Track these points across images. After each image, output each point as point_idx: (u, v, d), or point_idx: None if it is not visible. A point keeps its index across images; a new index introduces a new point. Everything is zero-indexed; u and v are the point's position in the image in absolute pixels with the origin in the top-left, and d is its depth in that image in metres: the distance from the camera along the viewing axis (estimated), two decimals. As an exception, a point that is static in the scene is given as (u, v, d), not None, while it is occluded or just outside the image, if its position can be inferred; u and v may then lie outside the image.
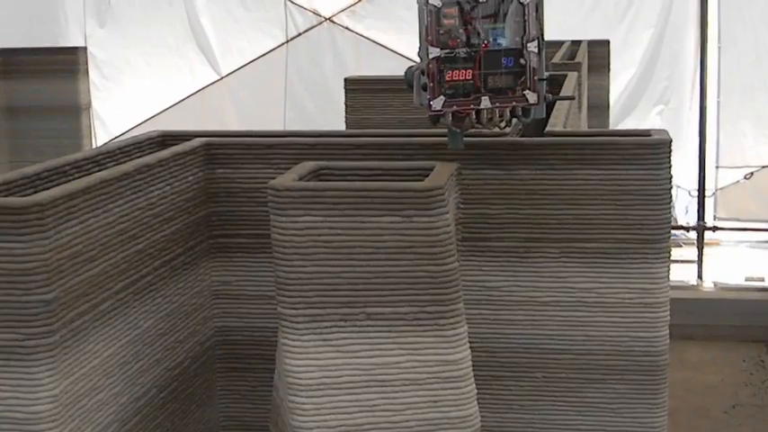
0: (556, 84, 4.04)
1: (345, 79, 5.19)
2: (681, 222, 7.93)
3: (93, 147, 7.26)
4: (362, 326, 2.13)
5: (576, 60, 5.32)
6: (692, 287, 7.30)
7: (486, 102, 2.30)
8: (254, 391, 2.80)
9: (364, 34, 8.42)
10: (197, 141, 2.73)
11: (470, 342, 2.17)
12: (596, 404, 2.61)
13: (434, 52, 2.26)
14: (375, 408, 2.13)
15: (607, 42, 6.71)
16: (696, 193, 7.90)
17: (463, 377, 2.14)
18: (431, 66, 2.26)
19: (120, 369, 2.28)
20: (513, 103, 2.33)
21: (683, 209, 8.03)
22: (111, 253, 2.24)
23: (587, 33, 7.03)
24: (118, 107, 8.81)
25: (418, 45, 2.29)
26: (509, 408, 2.65)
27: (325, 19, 8.61)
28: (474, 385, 2.16)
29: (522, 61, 2.31)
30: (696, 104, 7.95)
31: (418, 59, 2.31)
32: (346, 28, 8.57)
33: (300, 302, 2.13)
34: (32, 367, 1.98)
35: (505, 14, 2.30)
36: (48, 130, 6.71)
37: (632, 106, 8.20)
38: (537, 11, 2.32)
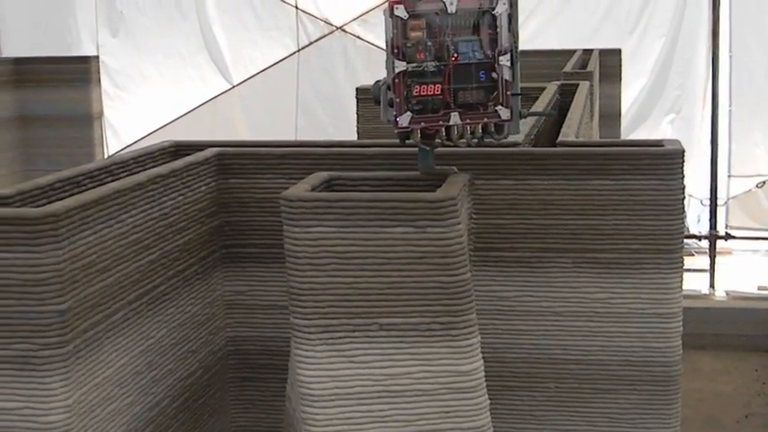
0: (569, 94, 4.05)
1: (357, 89, 5.20)
2: (693, 231, 7.91)
3: (105, 155, 7.31)
4: (375, 336, 2.13)
5: (588, 69, 5.32)
6: (705, 296, 7.29)
7: (455, 118, 2.20)
8: (266, 400, 2.80)
9: (376, 43, 8.42)
10: (210, 151, 2.73)
11: (483, 352, 2.17)
12: (609, 414, 2.60)
13: (400, 66, 2.16)
14: (387, 418, 2.13)
15: (619, 51, 6.70)
16: (708, 202, 7.89)
17: (476, 388, 2.13)
18: (397, 80, 2.16)
19: (133, 379, 2.29)
20: (485, 120, 2.22)
21: (695, 218, 8.01)
22: (125, 263, 2.25)
23: (599, 42, 7.04)
24: (130, 116, 8.83)
25: (385, 58, 2.20)
26: (522, 418, 2.64)
27: (337, 28, 8.62)
28: (486, 396, 2.15)
29: (494, 75, 2.20)
30: (708, 113, 7.93)
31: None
32: (358, 37, 8.58)
33: (313, 313, 2.12)
34: (46, 377, 1.98)
35: (477, 26, 2.19)
36: (60, 138, 6.74)
37: (644, 115, 8.20)
38: (510, 22, 2.20)
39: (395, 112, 2.18)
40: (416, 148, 2.32)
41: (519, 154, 2.60)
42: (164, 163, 2.76)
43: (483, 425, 2.14)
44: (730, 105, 8.04)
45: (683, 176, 2.54)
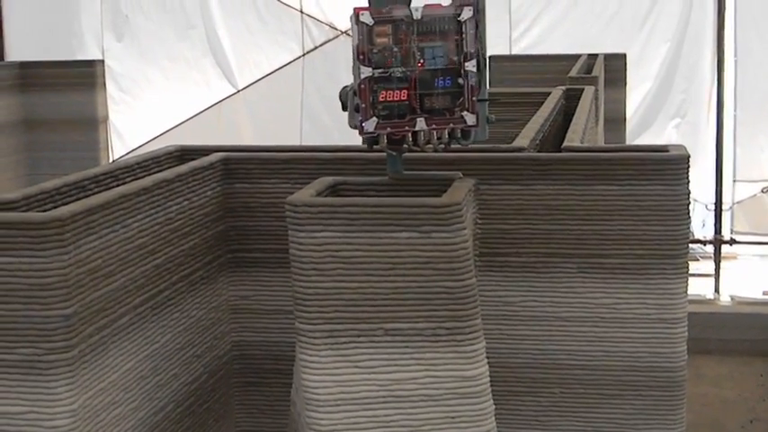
0: (574, 99, 4.05)
1: (362, 93, 5.18)
2: (698, 236, 7.91)
3: (110, 160, 7.32)
4: (380, 341, 2.13)
5: (593, 74, 5.31)
6: (709, 301, 7.28)
7: (421, 123, 2.20)
8: (271, 405, 2.80)
9: (380, 48, 8.41)
10: (215, 156, 2.73)
11: (488, 357, 2.17)
12: (614, 420, 2.60)
13: (366, 72, 2.16)
14: (392, 424, 2.13)
15: (624, 56, 6.70)
16: (713, 207, 7.88)
17: (481, 393, 2.13)
18: (363, 86, 2.17)
19: (139, 384, 2.29)
20: (451, 125, 2.22)
21: (700, 222, 8.01)
22: (130, 268, 2.25)
23: (604, 47, 7.03)
24: (135, 120, 8.85)
25: (352, 64, 2.20)
26: (527, 423, 2.64)
27: (342, 32, 8.62)
28: (492, 401, 2.15)
29: (460, 81, 2.20)
30: (713, 118, 7.94)
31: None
32: (362, 41, 8.57)
33: (318, 318, 2.12)
34: (51, 382, 1.98)
35: (443, 32, 2.19)
36: (65, 143, 6.74)
37: (649, 120, 8.19)
38: (476, 28, 2.20)
39: (360, 118, 2.18)
40: (422, 153, 2.32)
41: (524, 159, 2.60)
42: (169, 167, 2.76)
43: (488, 430, 2.14)
44: (735, 110, 8.04)
45: (689, 182, 2.54)
